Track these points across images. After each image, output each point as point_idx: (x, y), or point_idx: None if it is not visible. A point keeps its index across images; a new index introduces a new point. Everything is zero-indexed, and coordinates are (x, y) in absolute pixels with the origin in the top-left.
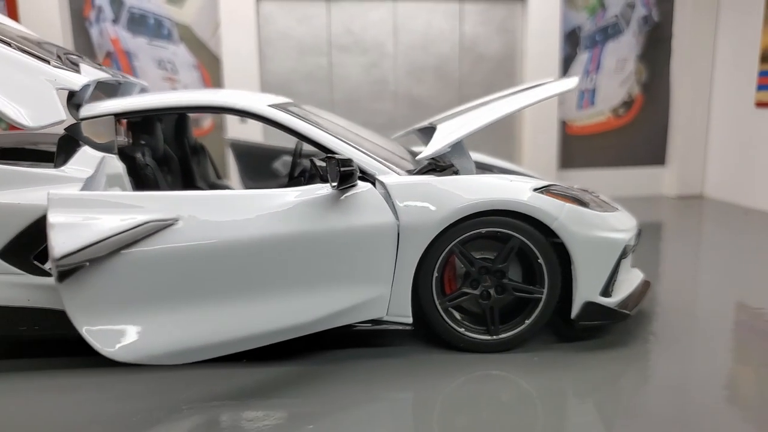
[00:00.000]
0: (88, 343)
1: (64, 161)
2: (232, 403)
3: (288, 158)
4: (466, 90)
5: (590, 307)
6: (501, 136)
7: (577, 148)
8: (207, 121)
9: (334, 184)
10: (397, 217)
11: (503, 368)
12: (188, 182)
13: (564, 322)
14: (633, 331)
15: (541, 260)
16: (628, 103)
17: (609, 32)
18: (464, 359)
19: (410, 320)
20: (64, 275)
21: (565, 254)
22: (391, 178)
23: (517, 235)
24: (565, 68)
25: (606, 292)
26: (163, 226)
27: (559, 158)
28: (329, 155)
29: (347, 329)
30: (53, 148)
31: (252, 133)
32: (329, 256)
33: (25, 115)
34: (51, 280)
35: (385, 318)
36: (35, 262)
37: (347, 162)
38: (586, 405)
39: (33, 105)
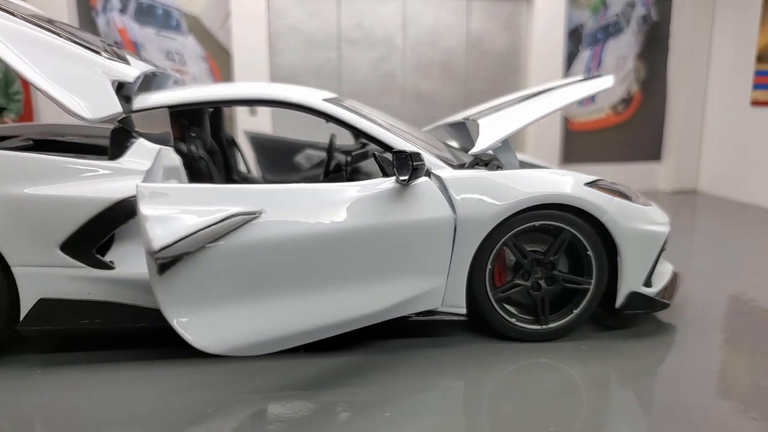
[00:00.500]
0: (180, 335)
1: (119, 153)
2: (303, 392)
3: (311, 152)
4: (472, 85)
5: (634, 297)
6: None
7: (578, 143)
8: None
9: (404, 178)
10: (454, 211)
11: (551, 356)
12: (227, 175)
13: (606, 311)
14: (664, 320)
15: (590, 252)
16: (626, 101)
17: (610, 30)
18: (513, 348)
19: (464, 311)
20: (163, 268)
21: (610, 246)
22: (446, 172)
23: (568, 228)
24: (568, 65)
25: (648, 282)
26: (248, 219)
27: (561, 153)
28: (397, 150)
29: (401, 320)
30: (83, 140)
31: (261, 124)
32: (393, 248)
33: (84, 108)
34: (111, 273)
35: (440, 309)
36: (97, 255)
37: (418, 156)
38: (626, 391)
39: (90, 97)
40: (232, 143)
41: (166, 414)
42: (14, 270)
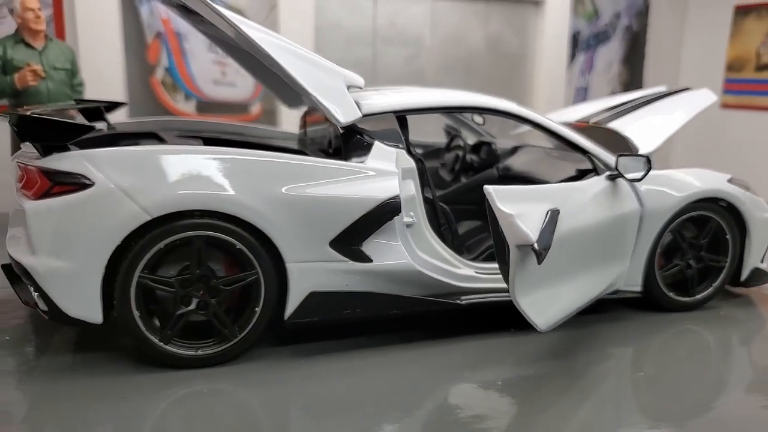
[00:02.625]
0: (525, 316)
1: (358, 156)
2: (517, 367)
3: None
4: (490, 85)
5: (755, 272)
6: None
7: None
8: (255, 106)
9: (638, 176)
10: (640, 203)
11: (694, 323)
12: None
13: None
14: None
15: (728, 236)
16: None
17: (600, 38)
18: (664, 318)
19: (640, 289)
20: (540, 258)
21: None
22: None
23: (715, 216)
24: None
25: (762, 260)
26: (558, 214)
27: None
28: (622, 153)
29: None
30: (220, 136)
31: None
32: (613, 236)
33: (338, 112)
34: (369, 266)
35: (621, 288)
36: (362, 250)
37: (650, 159)
38: (740, 351)
39: (337, 102)
40: None
41: (425, 401)
42: (288, 266)
